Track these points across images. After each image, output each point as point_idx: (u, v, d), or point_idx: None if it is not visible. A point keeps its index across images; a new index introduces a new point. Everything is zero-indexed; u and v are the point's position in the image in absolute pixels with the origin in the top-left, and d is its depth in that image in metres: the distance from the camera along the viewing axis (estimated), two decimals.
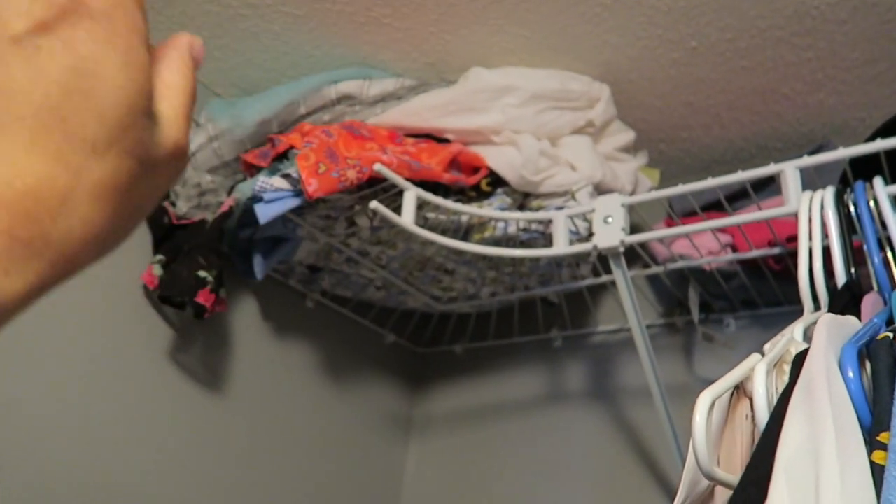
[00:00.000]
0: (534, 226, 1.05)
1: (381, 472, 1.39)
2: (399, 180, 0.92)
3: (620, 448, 1.22)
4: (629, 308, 0.95)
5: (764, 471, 0.40)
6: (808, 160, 0.81)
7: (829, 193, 0.73)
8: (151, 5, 1.08)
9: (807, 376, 0.42)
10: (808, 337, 0.61)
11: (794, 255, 1.00)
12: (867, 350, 0.47)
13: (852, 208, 0.72)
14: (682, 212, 1.15)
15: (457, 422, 1.43)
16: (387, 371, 1.46)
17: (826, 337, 0.45)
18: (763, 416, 0.45)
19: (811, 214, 0.73)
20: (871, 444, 0.39)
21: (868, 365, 0.47)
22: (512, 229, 1.06)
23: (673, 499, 1.14)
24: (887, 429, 0.39)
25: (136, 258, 1.05)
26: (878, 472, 0.38)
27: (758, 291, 1.12)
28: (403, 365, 1.51)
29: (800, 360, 0.46)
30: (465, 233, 1.10)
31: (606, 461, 1.22)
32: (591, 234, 0.94)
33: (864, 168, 0.85)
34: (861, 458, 0.38)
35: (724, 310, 1.20)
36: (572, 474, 1.24)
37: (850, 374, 0.42)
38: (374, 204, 0.88)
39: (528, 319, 1.40)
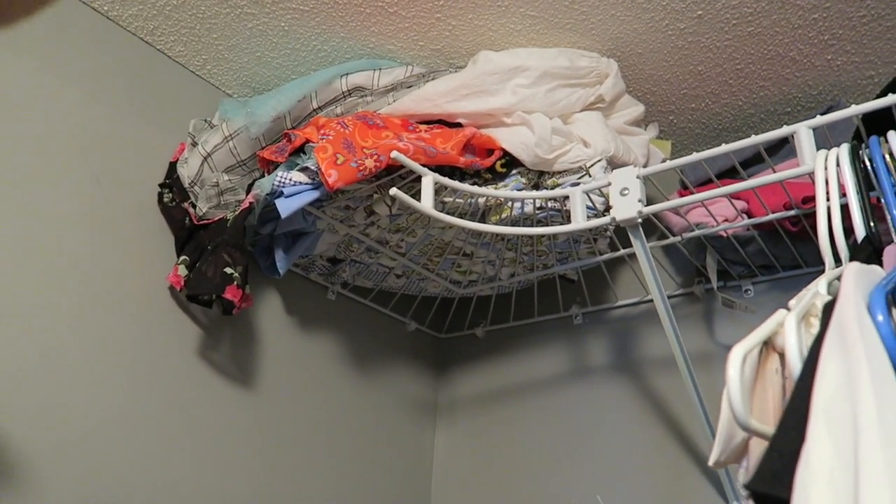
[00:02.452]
0: (550, 204, 1.06)
1: (410, 457, 1.41)
2: (416, 166, 0.94)
3: (646, 418, 1.23)
4: (650, 278, 0.96)
5: (802, 414, 0.42)
6: (820, 119, 0.82)
7: (844, 150, 0.74)
8: (161, 10, 1.10)
9: (838, 321, 0.44)
10: (832, 291, 0.62)
11: (810, 217, 1.01)
12: (893, 296, 0.48)
13: (868, 164, 0.73)
14: (695, 181, 1.17)
15: (482, 403, 1.45)
16: (410, 358, 1.48)
17: (854, 284, 0.46)
18: (796, 366, 0.46)
19: (827, 173, 0.74)
20: None
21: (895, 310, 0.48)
22: (528, 208, 1.07)
23: (703, 462, 1.16)
24: None
25: (161, 261, 1.07)
26: None
27: (775, 255, 1.12)
28: (426, 351, 1.53)
29: (829, 308, 0.47)
30: (482, 215, 1.12)
31: (632, 433, 1.23)
32: (608, 208, 0.95)
33: (877, 125, 0.85)
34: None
35: (742, 276, 1.21)
36: (599, 448, 1.26)
37: (880, 318, 0.43)
38: (394, 191, 0.89)
39: (547, 298, 1.41)
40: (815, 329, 0.53)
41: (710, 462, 0.56)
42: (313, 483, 1.19)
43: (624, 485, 1.21)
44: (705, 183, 1.15)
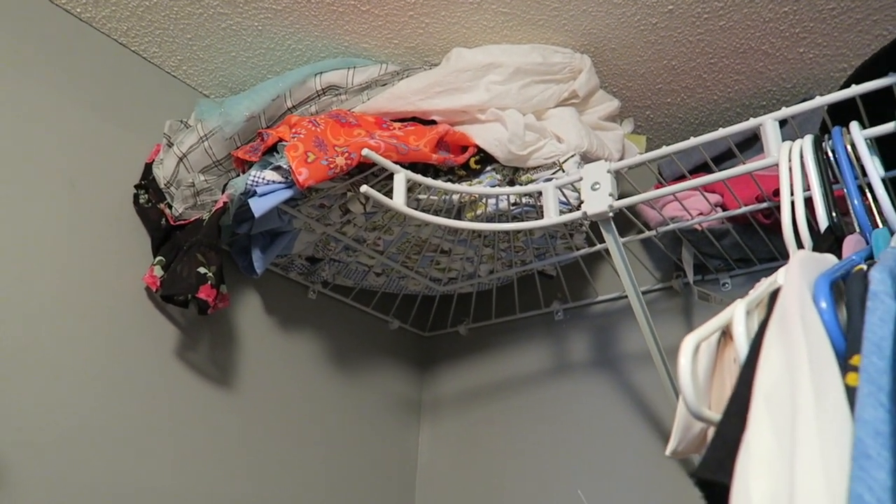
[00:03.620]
0: (525, 199, 1.07)
1: (395, 455, 1.41)
2: (388, 164, 0.94)
3: (628, 413, 1.24)
4: (622, 271, 0.96)
5: (745, 401, 0.42)
6: (786, 111, 0.82)
7: (807, 141, 0.74)
8: (133, 11, 1.09)
9: (781, 309, 0.44)
10: None
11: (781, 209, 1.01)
12: (844, 283, 0.49)
13: (831, 154, 0.73)
14: (671, 176, 1.17)
15: (466, 400, 1.45)
16: (393, 356, 1.48)
17: (799, 271, 0.46)
18: (743, 352, 0.46)
19: (791, 164, 0.74)
20: (845, 368, 0.41)
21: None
22: (503, 205, 1.07)
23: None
24: (858, 352, 0.40)
25: (137, 262, 1.07)
26: (852, 393, 0.39)
27: (750, 248, 1.13)
28: (409, 349, 1.53)
29: (775, 295, 0.47)
30: (457, 212, 1.12)
31: (615, 427, 1.24)
32: (580, 203, 0.95)
33: (844, 116, 0.86)
34: (835, 382, 0.40)
35: (719, 269, 1.21)
36: (582, 442, 1.26)
37: (823, 305, 0.44)
38: (364, 188, 0.89)
39: (528, 295, 1.41)
40: None
41: (668, 451, 0.56)
42: (297, 483, 1.19)
43: (606, 478, 1.21)
44: (680, 178, 1.15)
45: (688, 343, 0.50)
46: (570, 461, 1.26)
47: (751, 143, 1.15)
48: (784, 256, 1.13)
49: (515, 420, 1.36)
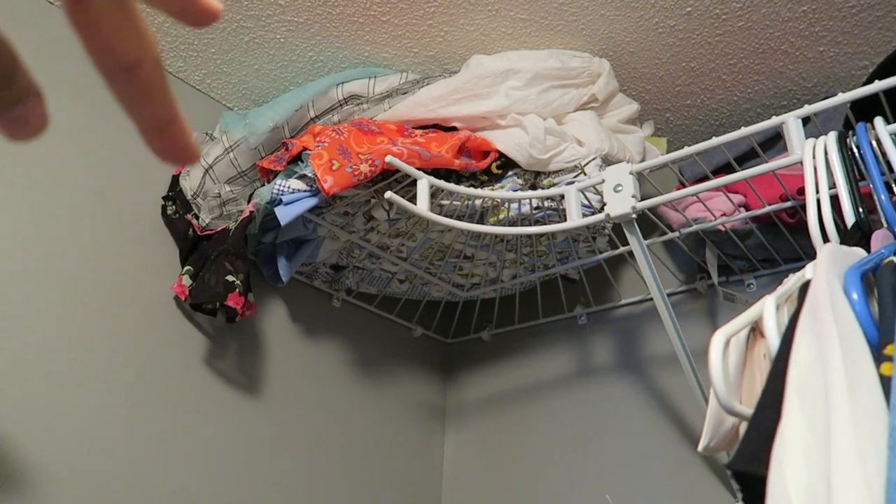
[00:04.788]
0: (547, 203, 1.07)
1: (421, 461, 1.41)
2: (411, 170, 0.95)
3: (654, 416, 1.23)
4: (647, 273, 0.96)
5: (777, 393, 0.42)
6: (808, 109, 0.82)
7: (831, 138, 0.74)
8: (159, 27, 1.12)
9: (811, 300, 0.44)
10: None
11: (805, 207, 1.01)
12: (874, 275, 0.49)
13: (856, 150, 0.73)
14: (693, 177, 1.17)
15: (490, 406, 1.45)
16: (417, 363, 1.49)
17: (828, 263, 0.46)
18: (774, 346, 0.47)
19: (816, 161, 0.74)
20: (879, 358, 0.41)
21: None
22: (526, 209, 1.08)
23: (711, 458, 1.15)
24: (892, 341, 0.40)
25: (166, 272, 1.09)
26: (886, 382, 0.40)
27: (775, 248, 1.12)
28: (433, 356, 1.53)
29: (805, 288, 0.47)
30: (480, 217, 1.12)
31: (641, 431, 1.23)
32: (603, 205, 0.95)
33: (866, 113, 0.85)
34: (869, 372, 0.40)
35: (744, 270, 1.20)
36: (608, 447, 1.26)
37: (854, 296, 0.44)
38: (388, 194, 0.91)
39: (551, 300, 1.41)
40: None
41: (700, 448, 0.57)
42: (323, 490, 1.20)
43: (633, 483, 1.20)
44: (702, 179, 1.15)
45: (718, 338, 0.50)
46: (598, 465, 1.25)
47: (772, 142, 1.15)
48: (809, 256, 1.11)
49: (541, 425, 1.36)
